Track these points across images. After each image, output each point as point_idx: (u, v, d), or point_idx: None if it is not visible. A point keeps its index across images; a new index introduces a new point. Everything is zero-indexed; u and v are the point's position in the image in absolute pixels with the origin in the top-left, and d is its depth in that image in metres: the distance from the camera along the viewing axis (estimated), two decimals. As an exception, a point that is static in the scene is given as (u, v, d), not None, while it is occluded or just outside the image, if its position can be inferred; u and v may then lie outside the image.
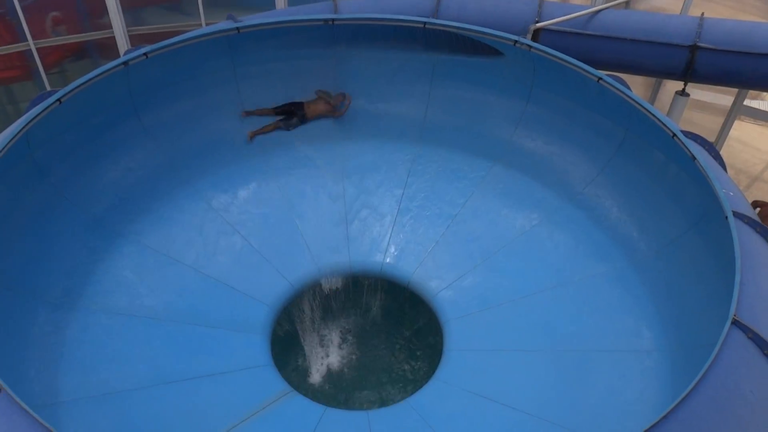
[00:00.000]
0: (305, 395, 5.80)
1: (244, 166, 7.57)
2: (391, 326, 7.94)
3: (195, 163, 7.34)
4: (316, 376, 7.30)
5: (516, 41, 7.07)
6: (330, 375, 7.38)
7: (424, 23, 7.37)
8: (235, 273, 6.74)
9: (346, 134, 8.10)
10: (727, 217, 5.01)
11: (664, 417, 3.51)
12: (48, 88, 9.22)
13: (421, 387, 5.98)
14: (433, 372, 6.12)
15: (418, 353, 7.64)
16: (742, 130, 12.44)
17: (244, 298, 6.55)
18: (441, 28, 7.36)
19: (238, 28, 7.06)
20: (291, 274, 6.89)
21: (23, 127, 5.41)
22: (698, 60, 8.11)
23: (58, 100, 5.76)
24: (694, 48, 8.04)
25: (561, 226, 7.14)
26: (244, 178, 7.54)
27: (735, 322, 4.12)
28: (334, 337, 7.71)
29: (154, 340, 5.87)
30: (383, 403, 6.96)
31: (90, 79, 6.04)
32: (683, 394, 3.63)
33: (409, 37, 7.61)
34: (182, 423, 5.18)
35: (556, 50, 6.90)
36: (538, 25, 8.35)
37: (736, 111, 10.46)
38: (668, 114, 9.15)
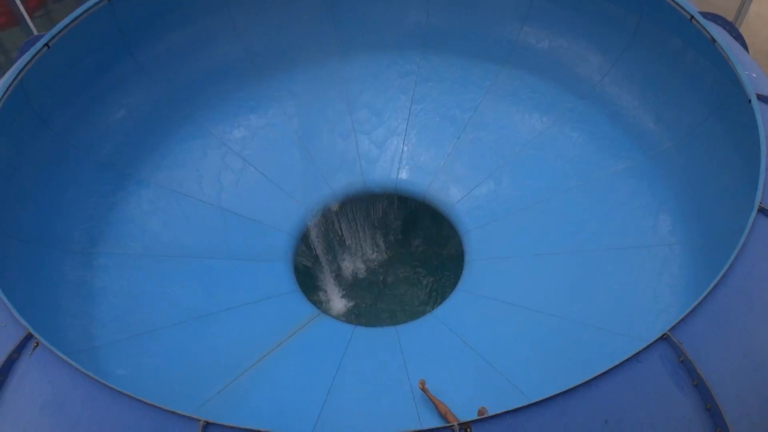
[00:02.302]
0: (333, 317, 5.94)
1: (244, 95, 7.35)
2: (411, 241, 7.98)
3: (194, 96, 7.12)
4: (339, 299, 7.44)
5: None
6: (354, 295, 7.51)
7: None
8: (249, 203, 6.72)
9: (344, 47, 7.75)
10: (750, 101, 4.80)
11: (693, 310, 3.49)
12: (35, 33, 8.90)
13: (444, 298, 6.08)
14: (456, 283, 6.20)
15: (440, 265, 7.71)
16: (762, 4, 11.71)
17: (262, 227, 6.56)
18: None
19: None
20: (305, 199, 6.86)
21: (15, 77, 5.26)
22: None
23: (46, 44, 5.56)
24: None
25: (575, 125, 6.94)
26: (246, 107, 7.33)
27: (761, 210, 4.02)
28: (356, 257, 7.78)
29: (177, 277, 5.95)
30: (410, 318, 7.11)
31: (75, 19, 5.78)
32: (711, 285, 3.59)
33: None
34: (217, 355, 5.33)
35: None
36: None
37: (756, -17, 9.84)
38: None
